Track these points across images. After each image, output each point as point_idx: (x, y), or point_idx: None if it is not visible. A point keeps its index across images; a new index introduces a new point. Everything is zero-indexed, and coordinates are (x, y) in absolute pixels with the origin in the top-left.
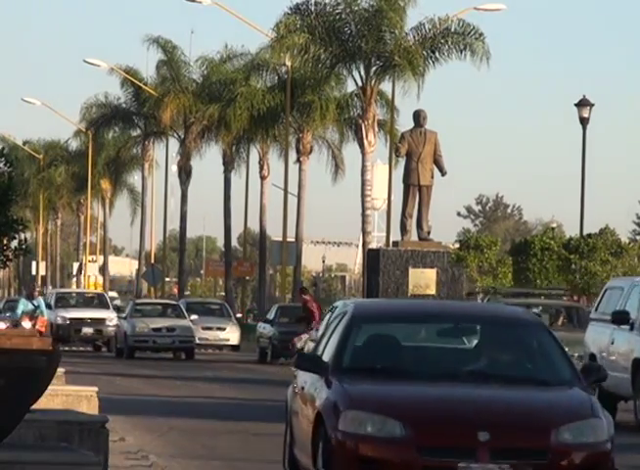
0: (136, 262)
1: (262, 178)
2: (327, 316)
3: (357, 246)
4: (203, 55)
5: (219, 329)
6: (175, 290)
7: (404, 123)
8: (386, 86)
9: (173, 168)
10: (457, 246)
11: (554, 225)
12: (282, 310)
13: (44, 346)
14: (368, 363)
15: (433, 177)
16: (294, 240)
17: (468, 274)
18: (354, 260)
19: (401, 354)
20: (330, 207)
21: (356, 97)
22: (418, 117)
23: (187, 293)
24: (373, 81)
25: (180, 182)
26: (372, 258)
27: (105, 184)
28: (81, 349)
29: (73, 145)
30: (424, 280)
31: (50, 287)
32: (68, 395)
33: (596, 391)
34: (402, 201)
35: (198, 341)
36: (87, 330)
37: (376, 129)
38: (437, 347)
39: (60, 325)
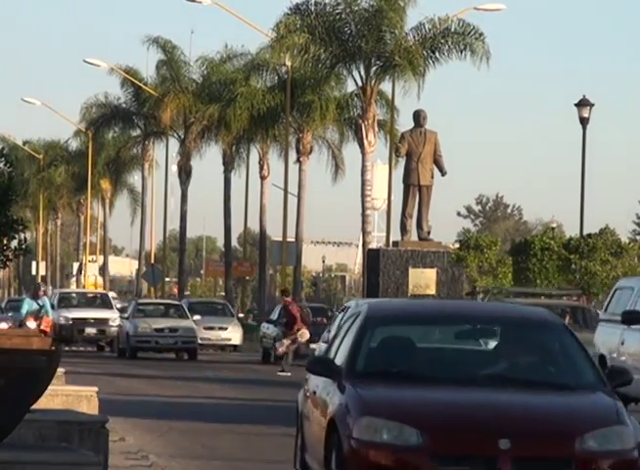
0: (136, 262)
1: (262, 178)
2: (339, 317)
3: (357, 246)
4: (203, 55)
5: (221, 329)
6: (175, 290)
7: (404, 123)
8: (386, 86)
9: (173, 168)
10: (457, 246)
11: (554, 225)
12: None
13: (44, 346)
14: (383, 367)
15: (433, 177)
16: (294, 240)
17: (468, 274)
18: (354, 260)
19: (418, 358)
20: (330, 207)
21: (356, 97)
22: (418, 117)
23: (187, 293)
24: (373, 81)
25: (180, 182)
26: (372, 258)
27: (105, 184)
28: (83, 349)
29: (73, 145)
30: (424, 280)
31: (50, 287)
32: (68, 395)
33: None
34: (402, 201)
35: (200, 341)
36: (90, 330)
37: (376, 129)
38: (456, 349)
39: (62, 325)
